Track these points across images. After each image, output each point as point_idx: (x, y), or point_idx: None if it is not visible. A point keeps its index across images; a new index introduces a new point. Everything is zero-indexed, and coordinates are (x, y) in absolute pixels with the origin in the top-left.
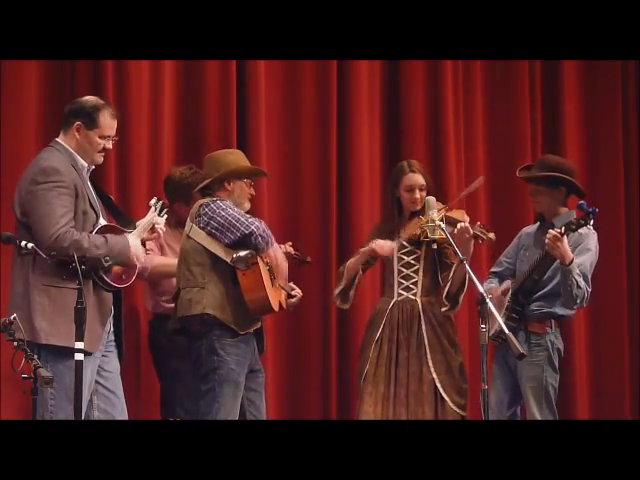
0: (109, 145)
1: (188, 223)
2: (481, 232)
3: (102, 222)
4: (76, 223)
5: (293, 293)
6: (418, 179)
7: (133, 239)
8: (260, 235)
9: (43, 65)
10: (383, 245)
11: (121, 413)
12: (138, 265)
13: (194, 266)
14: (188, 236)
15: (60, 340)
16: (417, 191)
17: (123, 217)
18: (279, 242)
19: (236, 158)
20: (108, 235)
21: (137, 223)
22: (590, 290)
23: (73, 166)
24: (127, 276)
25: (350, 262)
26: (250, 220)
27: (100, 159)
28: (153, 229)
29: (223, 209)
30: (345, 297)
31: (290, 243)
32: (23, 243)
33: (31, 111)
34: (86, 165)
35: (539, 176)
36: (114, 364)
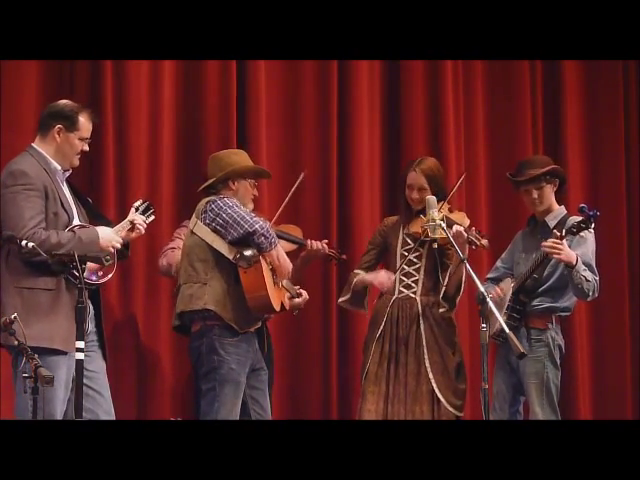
0: (86, 147)
1: (193, 219)
2: (475, 237)
3: (76, 223)
4: (47, 225)
5: (298, 294)
6: (417, 179)
7: (104, 229)
8: (263, 234)
9: (42, 65)
10: (384, 282)
11: (107, 413)
12: (115, 249)
13: (197, 262)
14: (192, 232)
15: (33, 341)
16: (415, 191)
17: (103, 219)
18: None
19: (240, 158)
20: (76, 229)
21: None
22: (598, 278)
23: (45, 169)
24: (104, 272)
25: (358, 279)
26: (255, 219)
27: (77, 162)
28: (133, 229)
29: (230, 206)
30: (354, 306)
31: (326, 241)
32: (24, 242)
33: (30, 111)
34: (59, 168)
35: (546, 171)
36: (98, 364)
